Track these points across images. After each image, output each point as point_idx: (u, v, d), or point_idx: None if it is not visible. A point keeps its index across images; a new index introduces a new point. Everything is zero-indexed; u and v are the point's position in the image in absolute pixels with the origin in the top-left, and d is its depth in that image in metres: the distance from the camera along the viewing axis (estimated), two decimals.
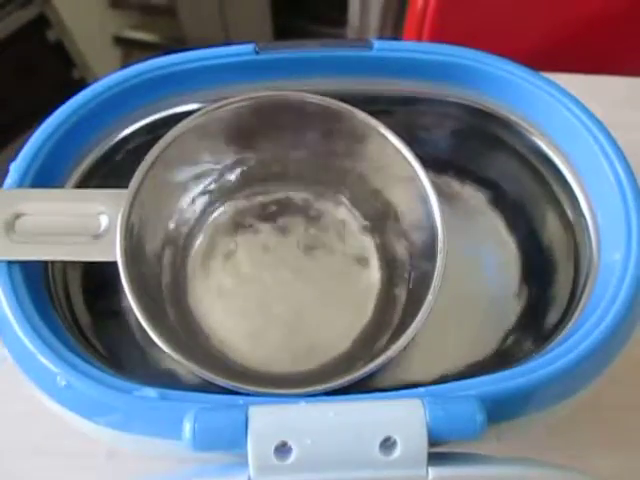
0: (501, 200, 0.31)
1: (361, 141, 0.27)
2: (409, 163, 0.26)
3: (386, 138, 0.26)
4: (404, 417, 0.19)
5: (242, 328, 0.28)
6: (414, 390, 0.21)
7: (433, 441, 0.19)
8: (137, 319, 0.25)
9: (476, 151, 0.31)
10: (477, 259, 0.30)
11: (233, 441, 0.19)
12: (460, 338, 0.28)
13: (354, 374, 0.22)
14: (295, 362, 0.27)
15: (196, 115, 0.26)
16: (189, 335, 0.27)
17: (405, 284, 0.28)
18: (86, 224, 0.24)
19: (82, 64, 1.01)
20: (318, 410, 0.19)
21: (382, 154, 0.27)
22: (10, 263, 0.23)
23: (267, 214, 0.30)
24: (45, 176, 0.25)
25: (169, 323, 0.26)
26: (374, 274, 0.29)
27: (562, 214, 0.28)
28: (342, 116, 0.27)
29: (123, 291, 0.28)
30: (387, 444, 0.19)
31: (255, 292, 0.29)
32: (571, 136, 0.27)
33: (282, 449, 0.19)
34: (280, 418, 0.19)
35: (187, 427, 0.19)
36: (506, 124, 0.29)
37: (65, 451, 0.32)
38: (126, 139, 0.28)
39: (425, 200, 0.25)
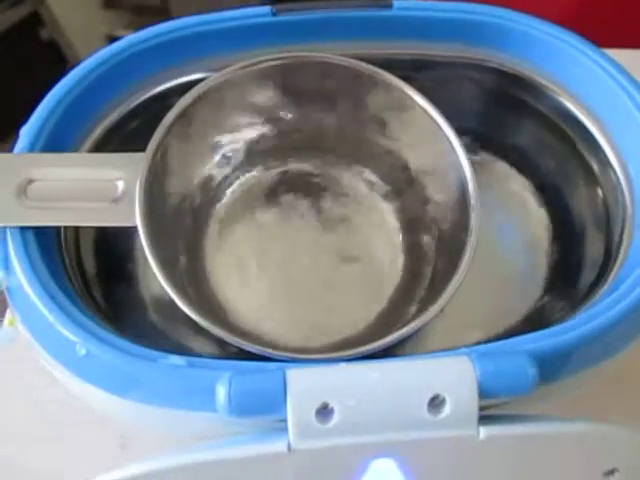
0: (527, 164, 0.30)
1: (381, 101, 0.26)
2: (433, 120, 0.25)
3: (413, 99, 0.25)
4: (452, 373, 0.18)
5: (263, 302, 0.27)
6: (458, 350, 0.20)
7: (483, 398, 0.18)
8: (152, 291, 0.25)
9: (501, 116, 0.30)
10: (504, 225, 0.29)
11: (271, 404, 0.18)
12: (491, 306, 0.27)
13: (391, 336, 0.21)
14: (322, 335, 0.26)
15: (217, 75, 0.25)
16: (207, 307, 0.25)
17: (432, 248, 0.26)
18: (102, 189, 0.23)
19: (75, 62, 1.00)
20: (360, 370, 0.18)
21: (404, 115, 0.26)
22: (23, 229, 0.22)
23: (289, 185, 0.29)
24: (57, 142, 0.24)
25: (187, 293, 0.25)
26: (398, 243, 0.28)
27: (590, 173, 0.27)
28: (366, 78, 0.26)
29: (136, 261, 0.27)
30: (435, 402, 0.18)
31: (276, 265, 0.28)
32: (603, 96, 0.26)
33: (323, 411, 0.18)
34: (320, 379, 0.18)
35: (221, 392, 0.18)
36: (532, 85, 0.28)
37: (75, 439, 0.30)
38: (142, 105, 0.27)
39: (453, 159, 0.24)
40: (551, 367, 0.20)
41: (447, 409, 0.18)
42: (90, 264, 0.26)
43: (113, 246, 0.27)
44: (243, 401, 0.18)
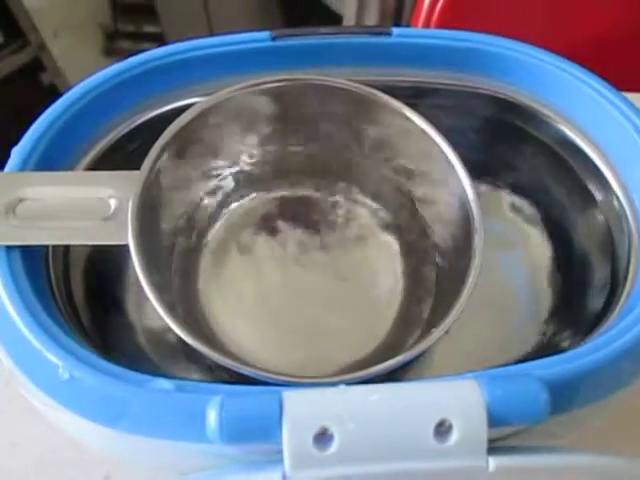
0: (527, 193, 0.30)
1: (382, 126, 0.26)
2: (435, 143, 0.24)
3: (411, 120, 0.25)
4: (460, 396, 0.17)
5: (257, 329, 0.26)
6: (465, 375, 0.19)
7: (493, 425, 0.17)
8: (142, 317, 0.24)
9: (500, 145, 0.30)
10: (506, 255, 0.29)
11: (267, 428, 0.16)
12: (495, 335, 0.26)
13: (393, 360, 0.20)
14: (319, 363, 0.25)
15: (215, 96, 0.24)
16: (199, 332, 0.24)
17: (432, 279, 0.26)
18: (94, 207, 0.22)
19: None
20: (361, 392, 0.17)
21: (405, 139, 0.26)
22: (9, 248, 0.21)
23: (286, 211, 0.28)
24: (49, 162, 0.24)
25: (178, 317, 0.24)
26: (398, 268, 0.27)
27: (592, 201, 0.27)
28: (366, 101, 0.25)
29: (125, 286, 0.26)
30: (442, 429, 0.17)
31: (271, 292, 0.27)
32: (603, 122, 0.26)
33: (322, 438, 0.16)
34: (319, 401, 0.17)
35: (212, 416, 0.17)
36: (530, 113, 0.28)
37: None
38: (138, 128, 0.26)
39: (455, 182, 0.24)
40: (562, 395, 0.19)
41: (454, 436, 0.16)
42: (78, 288, 0.25)
43: (103, 270, 0.26)
44: (236, 425, 0.16)
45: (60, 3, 0.99)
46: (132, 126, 0.26)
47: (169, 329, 0.22)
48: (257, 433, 0.16)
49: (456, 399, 0.17)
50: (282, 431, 0.16)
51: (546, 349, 0.25)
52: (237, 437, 0.16)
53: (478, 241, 0.22)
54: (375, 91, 0.25)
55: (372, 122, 0.26)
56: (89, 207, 0.22)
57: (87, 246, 0.25)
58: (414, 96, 0.28)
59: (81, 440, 0.23)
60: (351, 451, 0.16)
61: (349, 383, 0.18)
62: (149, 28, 1.05)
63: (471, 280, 0.21)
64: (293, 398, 0.17)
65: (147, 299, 0.21)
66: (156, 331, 0.26)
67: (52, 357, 0.19)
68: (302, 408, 0.16)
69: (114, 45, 1.06)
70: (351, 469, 0.16)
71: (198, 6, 0.91)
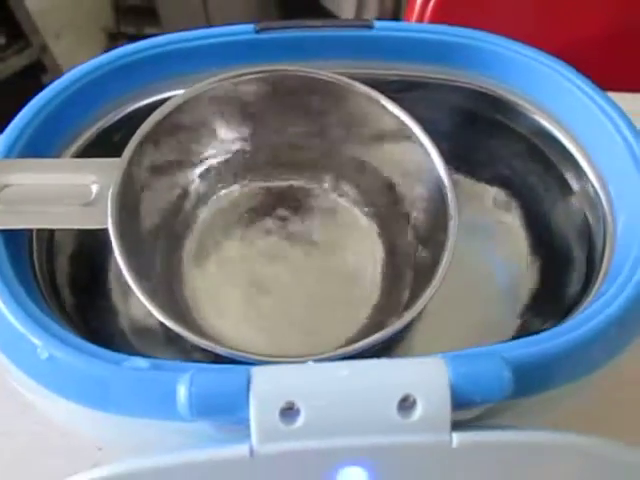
0: (505, 183, 0.30)
1: (361, 116, 0.26)
2: (405, 124, 0.25)
3: (386, 109, 0.25)
4: (425, 374, 0.17)
5: (240, 320, 0.26)
6: (432, 354, 0.19)
7: (456, 402, 0.17)
8: (123, 300, 0.24)
9: (478, 137, 0.30)
10: (484, 243, 0.29)
11: (233, 404, 0.17)
12: (472, 322, 0.26)
13: (361, 342, 0.20)
14: (301, 351, 0.25)
15: (197, 86, 0.25)
16: (180, 320, 0.25)
17: (411, 265, 0.26)
18: (76, 193, 0.23)
19: None
20: (328, 369, 0.17)
21: (380, 124, 0.26)
22: None
23: (270, 202, 0.29)
24: (35, 150, 0.24)
25: (159, 301, 0.24)
26: (378, 257, 0.27)
27: (569, 190, 0.27)
28: (344, 91, 0.26)
29: (108, 269, 0.26)
30: (406, 405, 0.17)
31: (254, 283, 0.27)
32: (581, 116, 0.27)
33: (289, 412, 0.17)
34: (286, 377, 0.17)
35: (182, 391, 0.17)
36: (509, 105, 0.29)
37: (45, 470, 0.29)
38: (124, 119, 0.27)
39: (429, 165, 0.24)
40: (529, 376, 0.19)
41: (418, 411, 0.17)
42: (62, 273, 0.25)
43: (87, 256, 0.26)
44: (204, 400, 0.17)
45: (63, 5, 1.00)
46: (118, 117, 0.27)
47: (150, 315, 0.22)
48: (225, 407, 0.17)
49: (421, 375, 0.17)
50: (249, 405, 0.17)
51: (526, 335, 0.25)
52: (205, 411, 0.17)
53: (452, 226, 0.23)
54: (353, 82, 0.26)
55: (351, 112, 0.26)
56: (71, 193, 0.23)
57: (71, 232, 0.25)
58: (396, 89, 0.29)
59: (65, 424, 0.23)
60: (317, 425, 0.17)
61: (318, 360, 0.19)
62: (150, 30, 1.06)
63: (444, 263, 0.22)
64: (261, 373, 0.17)
65: (129, 285, 0.22)
66: (138, 317, 0.26)
67: (31, 337, 0.19)
68: (269, 383, 0.17)
69: (116, 47, 1.07)
70: (317, 443, 0.17)
71: (198, 8, 0.92)
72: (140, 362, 0.19)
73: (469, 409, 0.18)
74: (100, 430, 0.21)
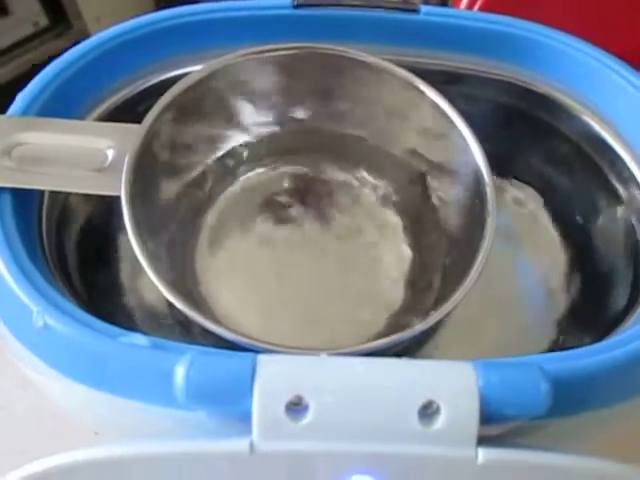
0: (547, 190, 0.28)
1: (396, 102, 0.25)
2: (446, 116, 0.23)
3: (425, 96, 0.24)
4: (451, 378, 0.15)
5: (254, 310, 0.25)
6: (461, 360, 0.17)
7: (485, 415, 0.15)
8: (133, 273, 0.23)
9: (522, 138, 0.28)
10: (520, 252, 0.27)
11: (235, 392, 0.15)
12: (501, 332, 0.24)
13: (382, 340, 0.18)
14: (312, 343, 0.23)
15: (226, 58, 0.23)
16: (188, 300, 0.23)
17: (439, 265, 0.24)
18: (91, 157, 0.21)
19: None
20: (343, 363, 0.16)
21: (417, 113, 0.24)
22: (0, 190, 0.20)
23: (291, 187, 0.27)
24: (52, 112, 0.23)
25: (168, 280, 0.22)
26: (404, 257, 0.25)
27: (617, 200, 0.25)
28: (380, 75, 0.24)
29: (120, 245, 0.25)
30: (428, 411, 0.15)
31: (271, 272, 0.26)
32: (632, 115, 0.25)
33: (296, 408, 0.15)
34: (296, 368, 0.15)
35: (180, 373, 0.15)
36: (560, 106, 0.27)
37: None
38: (152, 88, 0.25)
39: (467, 158, 0.22)
40: (568, 393, 0.17)
41: (442, 420, 0.15)
42: (71, 245, 0.24)
43: (100, 230, 0.25)
44: (203, 384, 0.15)
45: None
46: (144, 86, 0.26)
47: (159, 296, 0.21)
48: (226, 396, 0.15)
49: (446, 380, 0.15)
50: (253, 396, 0.15)
51: (561, 349, 0.23)
52: (204, 398, 0.15)
53: (490, 225, 0.21)
54: (390, 64, 0.24)
55: (385, 98, 0.25)
56: (86, 156, 0.21)
57: (85, 200, 0.24)
58: (439, 80, 0.27)
59: (61, 404, 0.22)
60: (326, 425, 0.15)
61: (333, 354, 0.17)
62: None
63: (477, 265, 0.20)
64: (268, 362, 0.15)
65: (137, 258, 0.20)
66: (147, 297, 0.25)
67: (28, 301, 0.18)
68: (277, 373, 0.15)
69: None
70: (325, 445, 0.15)
71: None
72: (140, 339, 0.18)
73: (498, 424, 0.16)
74: (94, 412, 0.20)
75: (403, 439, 0.15)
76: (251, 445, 0.15)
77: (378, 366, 0.16)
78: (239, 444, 0.15)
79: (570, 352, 0.18)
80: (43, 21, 0.99)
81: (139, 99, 0.26)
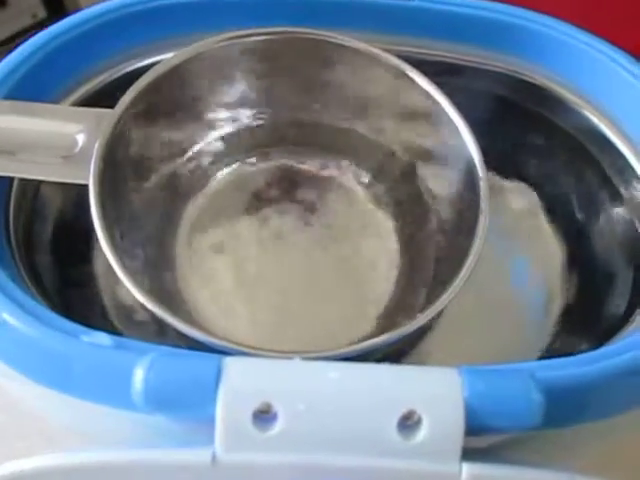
0: (542, 187, 0.27)
1: (379, 88, 0.23)
2: (437, 105, 0.22)
3: (414, 82, 0.22)
4: (434, 386, 0.14)
5: (231, 305, 0.23)
6: (446, 367, 0.16)
7: (471, 426, 0.14)
8: (109, 269, 0.21)
9: (518, 133, 0.27)
10: (516, 253, 0.26)
11: (198, 397, 0.14)
12: (492, 336, 0.23)
13: (363, 343, 0.17)
14: (291, 346, 0.22)
15: (205, 42, 0.22)
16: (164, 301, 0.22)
17: (430, 262, 0.23)
18: (58, 142, 0.20)
19: None
20: (317, 368, 0.14)
21: (405, 101, 0.23)
22: None
23: (273, 181, 0.26)
24: (24, 94, 0.22)
25: (142, 279, 0.21)
26: (394, 253, 0.24)
27: (618, 198, 0.24)
28: (365, 61, 0.23)
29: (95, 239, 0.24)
30: (408, 422, 0.14)
31: (249, 266, 0.24)
32: (635, 110, 0.23)
33: (264, 416, 0.14)
34: (265, 372, 0.14)
35: (138, 375, 0.14)
36: (560, 101, 0.25)
37: None
38: (123, 78, 0.24)
39: (459, 150, 0.21)
40: (560, 404, 0.16)
41: (423, 432, 0.14)
42: (41, 238, 0.23)
43: (72, 224, 0.24)
44: (163, 388, 0.14)
45: None
46: (120, 73, 0.24)
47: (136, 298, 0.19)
48: (187, 400, 0.14)
49: (429, 388, 0.14)
50: (216, 401, 0.14)
51: (556, 355, 0.22)
52: (163, 403, 0.14)
53: (482, 221, 0.19)
54: (375, 49, 0.23)
55: (372, 86, 0.23)
56: (54, 142, 0.20)
57: (57, 191, 0.23)
58: (431, 73, 0.26)
59: (14, 398, 0.21)
60: (296, 435, 0.14)
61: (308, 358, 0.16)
62: None
63: (468, 264, 0.19)
64: (235, 365, 0.14)
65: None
66: (123, 296, 0.24)
67: None
68: (243, 377, 0.14)
69: None
70: (294, 457, 0.14)
71: None
72: (102, 338, 0.16)
73: (484, 436, 0.15)
74: (52, 413, 0.19)
75: (381, 452, 0.14)
76: (213, 456, 0.14)
77: (354, 372, 0.14)
78: (200, 454, 0.14)
79: (565, 359, 0.17)
80: (41, 13, 0.98)
81: (117, 86, 0.24)
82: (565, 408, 0.15)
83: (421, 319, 0.18)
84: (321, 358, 0.16)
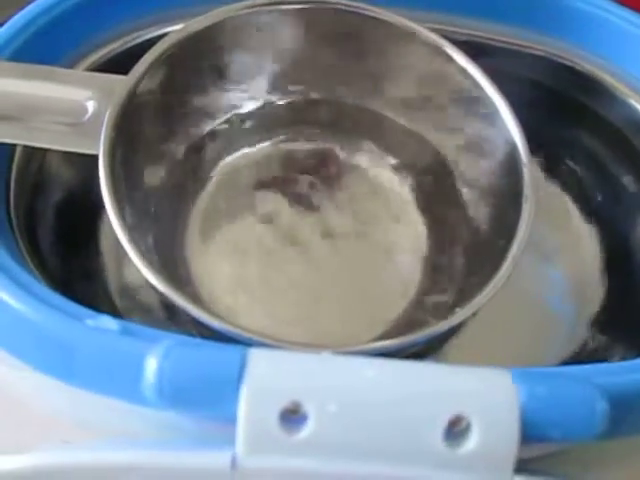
0: (578, 179, 0.25)
1: (412, 67, 0.22)
2: (476, 83, 0.20)
3: (453, 61, 0.21)
4: (486, 390, 0.12)
5: (249, 294, 0.22)
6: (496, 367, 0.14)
7: (527, 433, 0.12)
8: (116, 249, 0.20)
9: (554, 122, 0.25)
10: (551, 254, 0.24)
11: (218, 393, 0.12)
12: (520, 336, 0.21)
13: (394, 340, 0.15)
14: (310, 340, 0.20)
15: (229, 8, 0.20)
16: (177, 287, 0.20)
17: (461, 256, 0.21)
18: (67, 109, 0.18)
19: None
20: (352, 365, 0.13)
21: (443, 81, 0.22)
22: None
23: (296, 165, 0.24)
24: (31, 57, 0.20)
25: (153, 261, 0.20)
26: (420, 244, 0.22)
27: None
28: (400, 36, 0.21)
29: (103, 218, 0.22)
30: (456, 429, 0.12)
31: (268, 255, 0.23)
32: None
33: (292, 416, 0.12)
34: (293, 368, 0.12)
35: (151, 366, 0.13)
36: (598, 84, 0.24)
37: None
38: (146, 44, 0.22)
39: (500, 134, 0.19)
40: (624, 414, 0.14)
41: (473, 440, 0.12)
42: (44, 214, 0.21)
43: (79, 200, 0.22)
44: (180, 381, 0.12)
45: None
46: (129, 44, 0.22)
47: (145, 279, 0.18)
48: (206, 396, 0.12)
49: (480, 391, 0.12)
50: (239, 399, 0.12)
51: (588, 357, 0.20)
52: (179, 398, 0.12)
53: (527, 210, 0.18)
54: (412, 24, 0.21)
55: (405, 64, 0.22)
56: (60, 109, 0.18)
57: (64, 163, 0.21)
58: (470, 53, 0.24)
59: (15, 391, 0.19)
60: (328, 440, 0.12)
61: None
62: None
63: (512, 255, 0.17)
64: (260, 359, 0.12)
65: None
66: (130, 279, 0.22)
67: None
68: (270, 373, 0.12)
69: None
70: (324, 464, 0.12)
71: None
72: (109, 322, 0.15)
73: (536, 446, 0.13)
74: (55, 405, 0.17)
75: (423, 462, 0.12)
76: (233, 460, 0.12)
77: (394, 370, 0.13)
78: (218, 458, 0.12)
79: (623, 364, 0.15)
80: None
81: (130, 54, 0.23)
82: (629, 417, 0.14)
83: (458, 316, 0.16)
84: (354, 353, 0.14)
